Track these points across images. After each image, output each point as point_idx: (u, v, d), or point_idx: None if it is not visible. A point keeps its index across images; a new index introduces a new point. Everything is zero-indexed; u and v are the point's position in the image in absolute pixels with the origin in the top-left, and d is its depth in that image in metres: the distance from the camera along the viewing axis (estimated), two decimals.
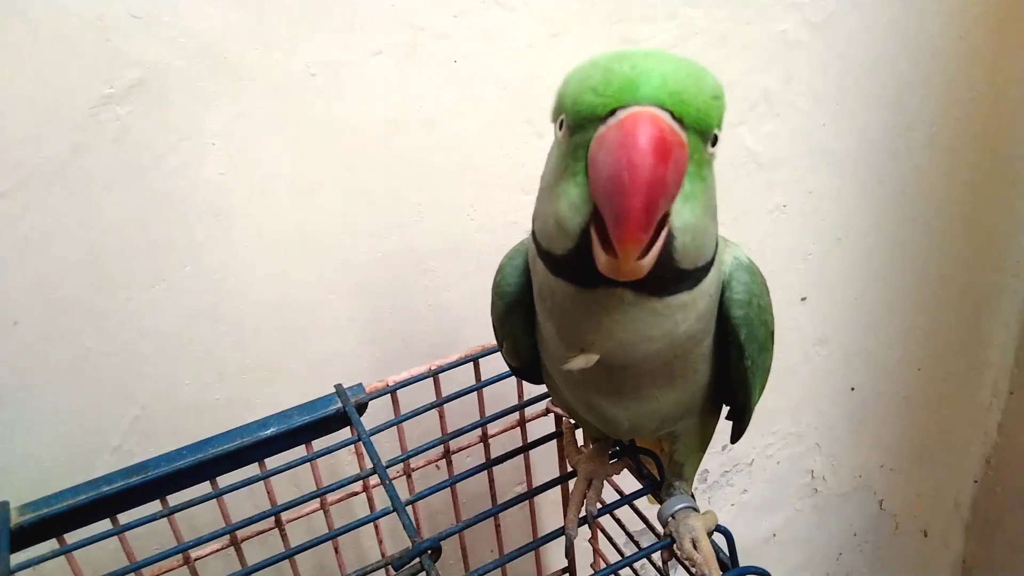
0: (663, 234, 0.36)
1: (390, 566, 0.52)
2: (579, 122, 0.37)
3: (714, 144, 0.39)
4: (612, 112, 0.35)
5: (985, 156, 1.08)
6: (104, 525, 0.59)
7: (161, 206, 0.66)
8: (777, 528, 1.19)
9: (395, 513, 0.58)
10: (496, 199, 0.79)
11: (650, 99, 0.35)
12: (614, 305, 0.39)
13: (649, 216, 0.34)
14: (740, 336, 0.45)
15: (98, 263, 0.66)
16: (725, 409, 0.54)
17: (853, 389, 1.16)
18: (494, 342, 0.70)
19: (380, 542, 0.72)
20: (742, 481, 1.11)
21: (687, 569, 0.53)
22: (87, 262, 0.65)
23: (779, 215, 0.95)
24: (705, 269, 0.41)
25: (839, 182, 0.98)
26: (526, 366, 0.54)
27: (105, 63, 0.61)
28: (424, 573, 0.51)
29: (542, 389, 0.69)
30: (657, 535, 0.59)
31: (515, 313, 0.49)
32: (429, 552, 0.51)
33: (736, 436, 0.55)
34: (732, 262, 0.45)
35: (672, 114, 0.35)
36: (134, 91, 0.62)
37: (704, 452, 0.56)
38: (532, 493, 0.64)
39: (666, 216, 0.36)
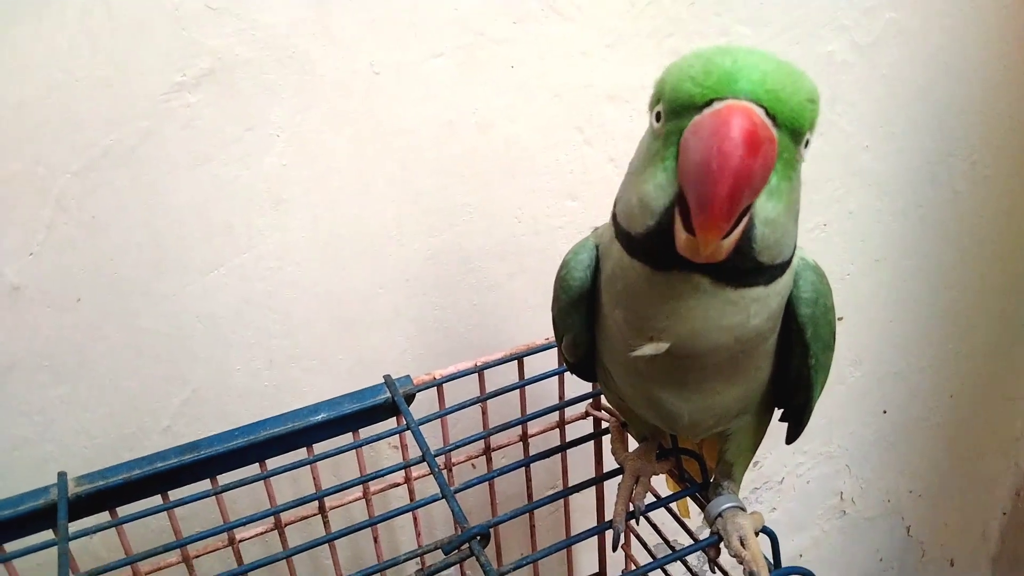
0: (744, 222, 0.38)
1: (440, 549, 0.52)
2: (676, 109, 0.38)
3: (806, 147, 0.40)
4: (709, 103, 0.37)
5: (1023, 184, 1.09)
6: (155, 501, 0.60)
7: (223, 194, 0.68)
8: (804, 548, 1.19)
9: (434, 505, 0.59)
10: (543, 204, 0.80)
11: (747, 93, 0.36)
12: (689, 292, 0.40)
13: (733, 205, 0.35)
14: (806, 334, 0.46)
15: (159, 246, 0.67)
16: (777, 413, 0.54)
17: (885, 412, 1.15)
18: (538, 341, 0.72)
19: (418, 534, 0.72)
20: (771, 499, 1.11)
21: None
22: (149, 244, 0.67)
23: (820, 233, 0.96)
24: (782, 267, 0.42)
25: (879, 204, 0.99)
26: (580, 363, 0.55)
27: (179, 51, 0.63)
28: (473, 558, 0.51)
29: (583, 389, 0.70)
30: (694, 538, 0.59)
31: (577, 308, 0.50)
32: (479, 538, 0.52)
33: (792, 437, 0.55)
34: (799, 263, 0.46)
35: (766, 111, 0.37)
36: (205, 80, 0.64)
37: (754, 453, 0.56)
38: (571, 490, 0.65)
39: (749, 207, 0.38)
